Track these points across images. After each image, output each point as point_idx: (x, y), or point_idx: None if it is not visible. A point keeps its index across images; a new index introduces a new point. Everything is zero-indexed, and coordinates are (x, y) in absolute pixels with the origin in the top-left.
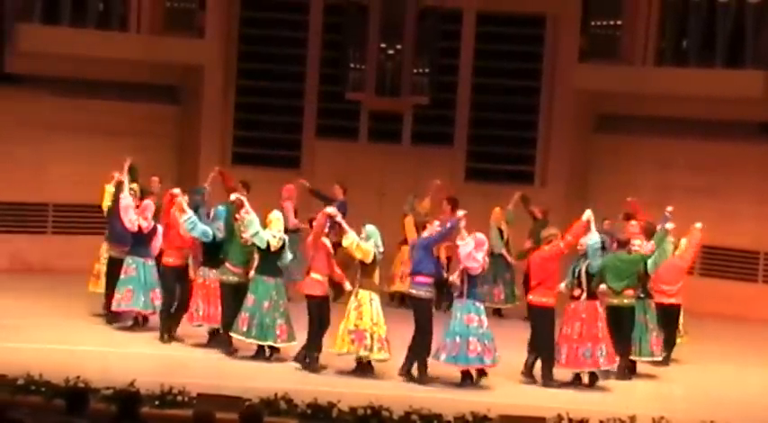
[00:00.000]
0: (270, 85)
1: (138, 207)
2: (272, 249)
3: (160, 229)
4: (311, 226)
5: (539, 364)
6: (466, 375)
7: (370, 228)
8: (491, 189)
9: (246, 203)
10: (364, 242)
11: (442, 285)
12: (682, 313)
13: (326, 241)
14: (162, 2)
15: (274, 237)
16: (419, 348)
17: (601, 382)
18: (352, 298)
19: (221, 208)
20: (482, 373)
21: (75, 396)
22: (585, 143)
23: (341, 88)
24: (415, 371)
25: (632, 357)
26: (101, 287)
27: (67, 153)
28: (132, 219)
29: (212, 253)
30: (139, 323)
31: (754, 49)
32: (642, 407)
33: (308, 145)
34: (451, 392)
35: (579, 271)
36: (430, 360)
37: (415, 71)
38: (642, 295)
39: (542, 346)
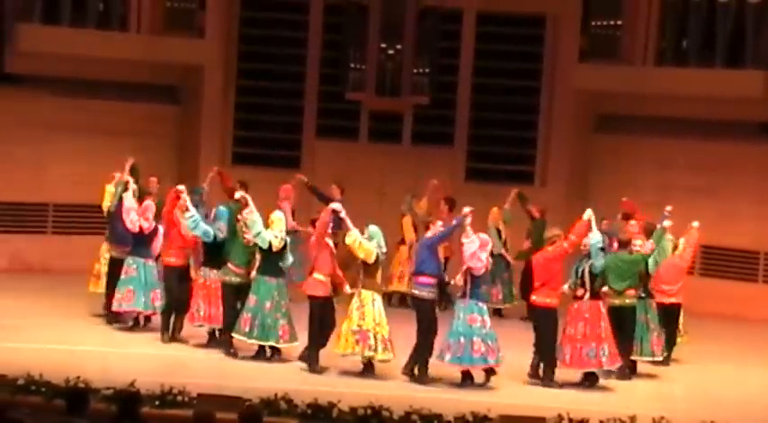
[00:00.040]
0: (270, 85)
1: (138, 208)
2: (274, 250)
3: (161, 229)
4: (314, 227)
5: None
6: (466, 375)
7: (373, 228)
8: (491, 189)
9: (251, 202)
10: (367, 241)
11: (442, 285)
12: (682, 313)
13: (329, 241)
14: (162, 2)
15: (276, 237)
16: (422, 348)
17: (601, 382)
18: (355, 298)
19: (223, 208)
20: (491, 371)
21: (76, 396)
22: (585, 143)
23: (341, 88)
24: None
25: (633, 357)
26: (101, 287)
27: (67, 153)
28: (134, 219)
29: (213, 253)
30: (140, 323)
31: (754, 49)
32: (642, 407)
33: (308, 145)
34: (452, 392)
35: (582, 271)
36: (433, 361)
37: (415, 71)
38: (643, 295)
39: (544, 347)
